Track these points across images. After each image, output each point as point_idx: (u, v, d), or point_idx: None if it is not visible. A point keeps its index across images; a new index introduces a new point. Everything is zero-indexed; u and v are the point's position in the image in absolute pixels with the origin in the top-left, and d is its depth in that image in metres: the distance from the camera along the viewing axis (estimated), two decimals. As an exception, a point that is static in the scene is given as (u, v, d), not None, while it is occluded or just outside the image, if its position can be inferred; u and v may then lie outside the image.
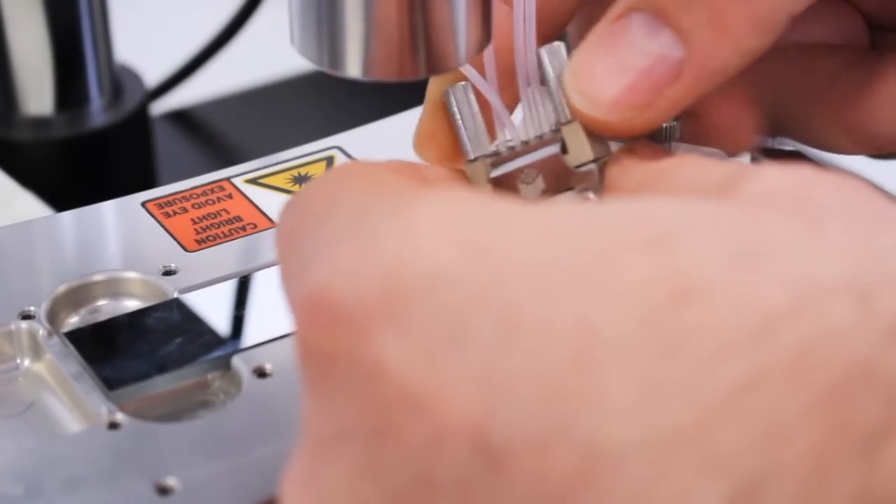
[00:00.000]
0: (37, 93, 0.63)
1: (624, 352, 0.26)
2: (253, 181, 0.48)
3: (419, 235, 0.28)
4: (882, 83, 0.42)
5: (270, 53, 0.69)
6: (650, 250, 0.27)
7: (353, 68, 0.35)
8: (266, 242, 0.46)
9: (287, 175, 0.49)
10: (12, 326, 0.42)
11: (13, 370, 0.41)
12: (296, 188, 0.48)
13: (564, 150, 0.38)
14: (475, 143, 0.39)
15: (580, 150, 0.38)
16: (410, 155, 0.39)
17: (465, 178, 0.39)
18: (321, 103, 0.75)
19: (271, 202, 0.47)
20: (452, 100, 0.39)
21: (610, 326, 0.26)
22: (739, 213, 0.28)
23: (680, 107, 0.38)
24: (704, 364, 0.25)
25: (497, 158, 0.39)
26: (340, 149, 0.50)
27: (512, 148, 0.39)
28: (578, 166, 0.38)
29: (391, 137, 0.40)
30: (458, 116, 0.39)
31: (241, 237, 0.46)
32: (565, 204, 0.29)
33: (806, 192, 0.29)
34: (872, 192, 0.29)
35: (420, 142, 0.40)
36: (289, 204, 0.34)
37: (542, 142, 0.39)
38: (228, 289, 0.44)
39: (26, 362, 0.41)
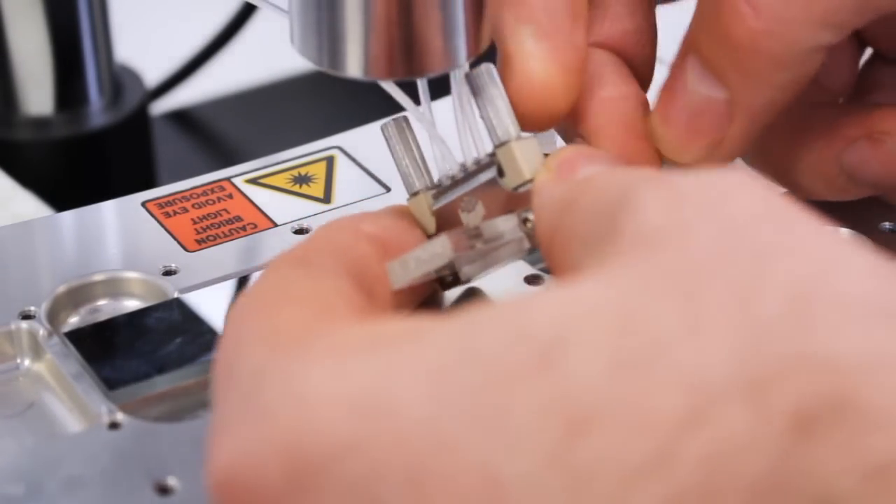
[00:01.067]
0: (37, 93, 0.63)
1: (533, 499, 0.25)
2: (253, 181, 0.48)
3: (310, 404, 0.28)
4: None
5: (270, 53, 0.69)
6: (535, 374, 0.26)
7: (353, 68, 0.35)
8: (266, 242, 0.46)
9: (287, 175, 0.49)
10: (12, 326, 0.42)
11: (13, 370, 0.41)
12: (296, 188, 0.48)
13: (501, 172, 0.37)
14: (416, 175, 0.39)
15: (515, 172, 0.36)
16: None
17: (407, 212, 0.38)
18: (321, 103, 0.75)
19: (271, 202, 0.47)
20: (390, 133, 0.39)
21: (514, 473, 0.26)
22: (617, 305, 0.27)
23: (752, 139, 0.38)
24: (614, 499, 0.25)
25: (439, 190, 0.38)
26: (340, 149, 0.50)
27: (452, 177, 0.38)
28: (516, 188, 0.36)
29: (391, 137, 0.40)
30: (396, 150, 0.39)
31: (241, 237, 0.46)
32: (445, 330, 0.28)
33: (685, 231, 0.28)
34: (757, 202, 0.28)
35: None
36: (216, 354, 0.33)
37: (479, 167, 0.37)
38: (228, 289, 0.44)
39: (26, 362, 0.41)
